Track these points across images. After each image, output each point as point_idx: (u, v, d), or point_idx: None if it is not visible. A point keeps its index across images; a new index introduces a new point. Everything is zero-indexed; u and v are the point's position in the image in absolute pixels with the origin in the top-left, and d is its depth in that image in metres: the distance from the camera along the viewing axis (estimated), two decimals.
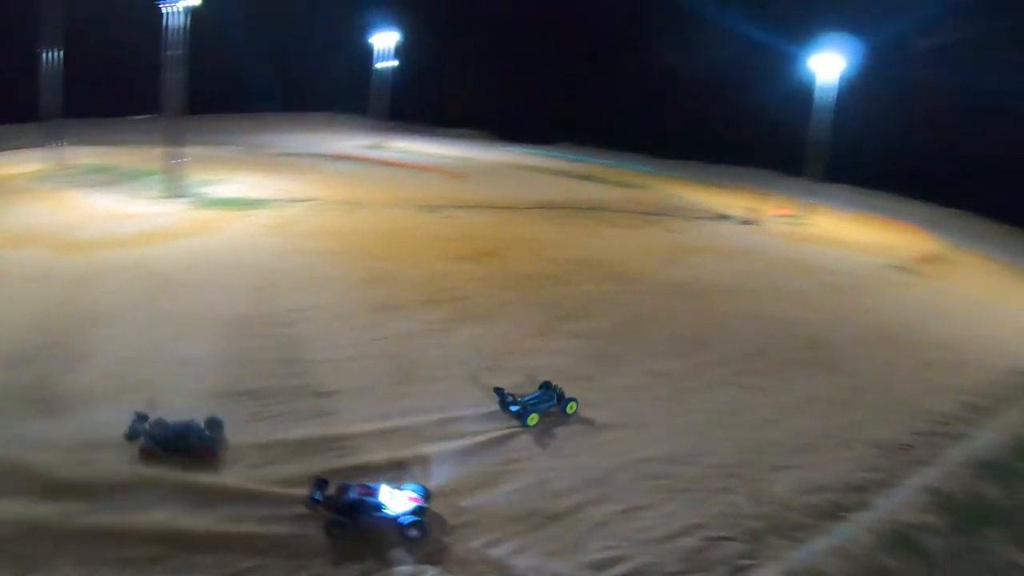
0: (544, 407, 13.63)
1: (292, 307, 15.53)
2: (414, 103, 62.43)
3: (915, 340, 16.19)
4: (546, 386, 14.09)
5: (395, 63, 53.65)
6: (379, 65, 53.67)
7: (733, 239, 23.34)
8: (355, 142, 51.92)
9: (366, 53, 54.98)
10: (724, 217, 27.87)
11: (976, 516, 11.10)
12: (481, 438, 12.33)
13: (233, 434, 12.07)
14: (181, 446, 12.18)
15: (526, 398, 13.77)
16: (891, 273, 22.52)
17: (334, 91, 61.09)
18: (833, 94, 32.14)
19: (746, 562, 10.22)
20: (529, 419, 13.45)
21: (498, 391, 13.95)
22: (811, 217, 31.92)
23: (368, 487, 11.26)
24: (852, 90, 34.27)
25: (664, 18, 58.82)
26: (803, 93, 40.58)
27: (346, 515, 10.85)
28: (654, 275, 17.81)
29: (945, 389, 13.62)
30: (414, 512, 10.87)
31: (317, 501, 11.10)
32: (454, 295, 16.13)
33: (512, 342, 14.02)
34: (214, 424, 12.71)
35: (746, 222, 26.59)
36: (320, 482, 11.42)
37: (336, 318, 14.91)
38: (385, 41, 54.17)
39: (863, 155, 47.96)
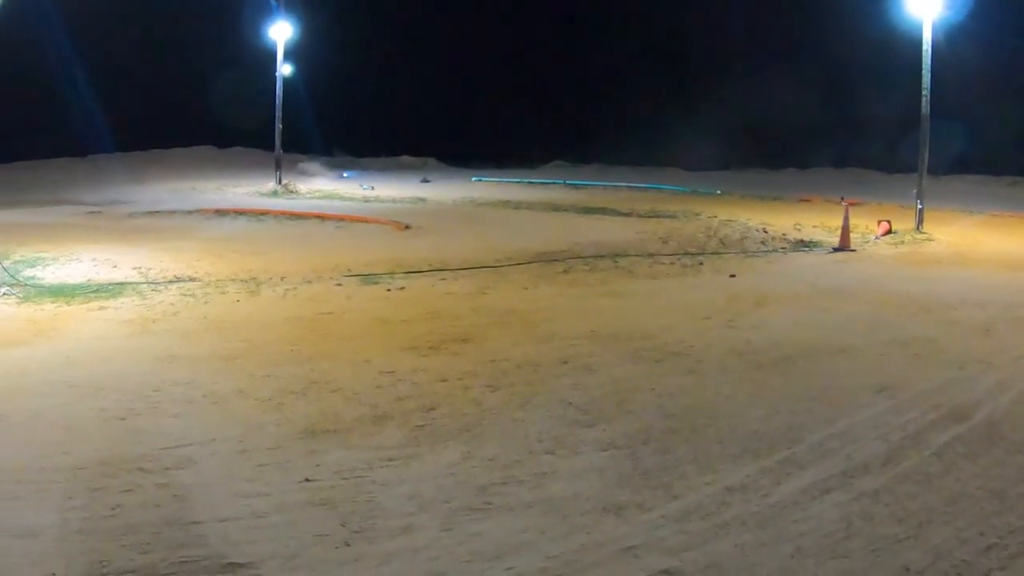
0: None
1: (175, 442, 10.01)
2: (330, 124, 51.06)
3: None
4: None
5: (289, 71, 41.62)
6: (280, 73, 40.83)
7: (819, 276, 18.09)
8: (247, 187, 42.26)
9: (256, 59, 42.66)
10: (804, 245, 22.10)
11: None
12: None
13: None
14: None
15: None
16: None
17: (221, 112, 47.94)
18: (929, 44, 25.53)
19: None
20: None
21: None
22: (927, 228, 25.23)
23: None
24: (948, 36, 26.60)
25: None
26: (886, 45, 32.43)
27: None
28: (709, 343, 12.92)
29: None
30: None
31: None
32: (415, 405, 11.13)
33: (509, 467, 9.31)
34: None
35: (839, 249, 21.17)
36: None
37: (242, 454, 9.67)
38: (282, 37, 40.13)
39: (981, 130, 38.25)
